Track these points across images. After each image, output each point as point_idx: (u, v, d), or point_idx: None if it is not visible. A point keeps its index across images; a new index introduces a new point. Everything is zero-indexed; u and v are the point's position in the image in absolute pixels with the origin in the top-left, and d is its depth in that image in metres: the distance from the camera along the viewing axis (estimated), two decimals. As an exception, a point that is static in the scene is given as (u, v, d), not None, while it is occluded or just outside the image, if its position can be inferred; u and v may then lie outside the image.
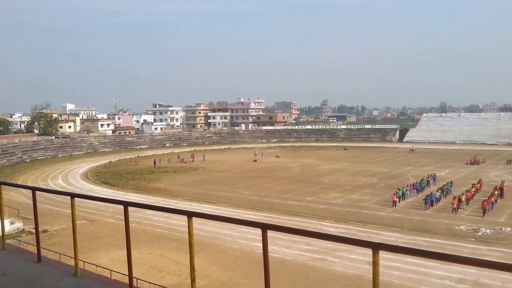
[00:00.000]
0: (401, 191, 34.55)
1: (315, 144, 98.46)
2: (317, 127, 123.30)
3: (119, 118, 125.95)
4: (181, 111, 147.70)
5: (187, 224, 3.39)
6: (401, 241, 24.23)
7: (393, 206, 32.34)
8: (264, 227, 2.84)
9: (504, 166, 54.51)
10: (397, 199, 32.94)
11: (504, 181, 38.94)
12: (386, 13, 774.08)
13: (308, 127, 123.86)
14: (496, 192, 33.37)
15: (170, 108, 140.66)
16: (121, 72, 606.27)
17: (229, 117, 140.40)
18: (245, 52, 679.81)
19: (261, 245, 3.08)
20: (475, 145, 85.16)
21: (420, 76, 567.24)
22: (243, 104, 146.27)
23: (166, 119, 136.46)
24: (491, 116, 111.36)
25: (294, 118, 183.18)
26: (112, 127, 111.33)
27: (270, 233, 2.97)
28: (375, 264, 2.43)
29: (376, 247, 2.38)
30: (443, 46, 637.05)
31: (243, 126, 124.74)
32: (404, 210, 31.64)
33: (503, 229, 25.81)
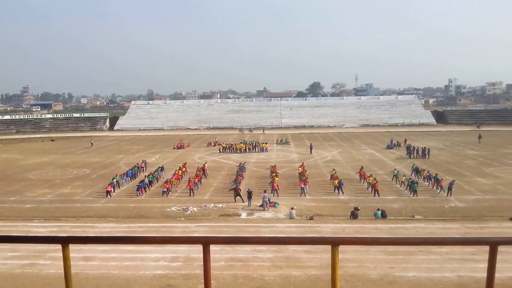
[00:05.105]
0: (114, 180, 34.31)
1: (16, 136, 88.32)
2: (17, 117, 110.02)
3: None
4: None
5: None
6: (116, 230, 24.03)
7: (107, 196, 31.81)
8: None
9: (206, 149, 60.79)
10: (111, 188, 32.55)
11: (206, 162, 43.30)
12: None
13: (7, 117, 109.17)
14: (200, 172, 36.77)
15: None
16: None
17: None
18: None
19: None
20: (180, 131, 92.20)
21: (129, 65, 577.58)
22: None
23: None
24: (193, 103, 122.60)
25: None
26: None
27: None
28: (65, 259, 2.31)
29: (65, 241, 2.29)
30: (145, 36, 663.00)
31: None
32: (119, 199, 31.55)
33: (208, 205, 28.64)
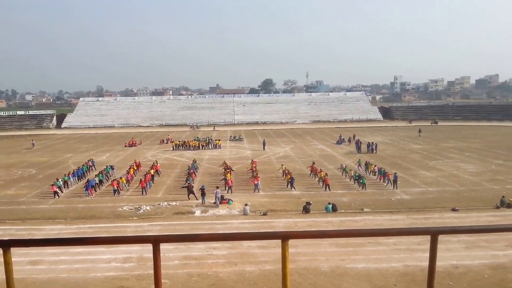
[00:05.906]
0: (61, 180, 33.19)
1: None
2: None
3: None
4: None
5: None
6: (64, 232, 23.24)
7: (54, 197, 30.74)
8: None
9: (159, 146, 59.96)
10: (58, 189, 31.46)
11: (157, 161, 42.66)
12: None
13: None
14: (152, 170, 36.21)
15: None
16: None
17: None
18: None
19: None
20: (132, 128, 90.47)
21: (77, 60, 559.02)
22: None
23: None
24: (145, 99, 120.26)
25: None
26: None
27: None
28: (7, 264, 2.18)
29: (6, 244, 2.16)
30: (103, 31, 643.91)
31: None
32: (67, 200, 30.56)
33: (161, 204, 28.28)
